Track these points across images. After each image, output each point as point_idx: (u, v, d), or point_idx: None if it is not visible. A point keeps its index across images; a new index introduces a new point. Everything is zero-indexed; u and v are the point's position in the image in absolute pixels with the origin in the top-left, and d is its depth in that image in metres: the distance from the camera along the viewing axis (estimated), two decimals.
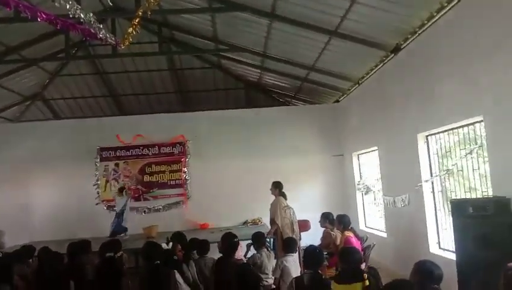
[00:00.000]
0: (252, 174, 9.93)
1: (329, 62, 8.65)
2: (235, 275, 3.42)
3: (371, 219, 9.13)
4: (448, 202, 5.73)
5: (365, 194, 9.17)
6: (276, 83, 11.54)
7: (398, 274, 6.42)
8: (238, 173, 10.09)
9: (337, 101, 10.60)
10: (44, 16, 4.51)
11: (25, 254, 5.93)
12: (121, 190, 9.27)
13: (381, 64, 7.68)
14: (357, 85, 8.97)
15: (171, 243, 5.47)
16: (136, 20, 5.31)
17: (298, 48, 8.59)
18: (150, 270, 3.96)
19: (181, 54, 10.91)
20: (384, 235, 7.94)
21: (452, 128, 5.76)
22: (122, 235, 8.47)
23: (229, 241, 5.03)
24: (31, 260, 6.23)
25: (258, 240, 5.52)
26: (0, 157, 9.97)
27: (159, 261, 4.08)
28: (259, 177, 9.37)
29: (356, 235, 6.07)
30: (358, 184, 9.37)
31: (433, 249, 6.14)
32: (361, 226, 9.17)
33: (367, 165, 9.28)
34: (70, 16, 4.44)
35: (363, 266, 4.42)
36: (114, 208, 9.22)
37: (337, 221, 6.32)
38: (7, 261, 5.04)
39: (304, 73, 9.67)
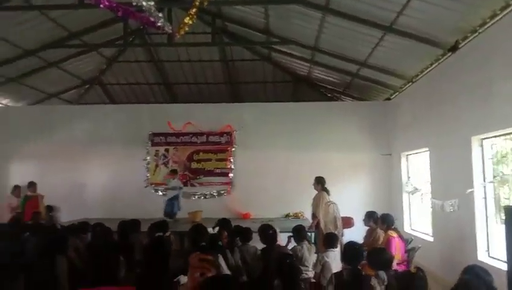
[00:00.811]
0: (296, 168, 9.98)
1: (382, 58, 8.46)
2: (276, 264, 3.48)
3: (417, 221, 8.90)
4: (501, 210, 5.49)
5: (412, 194, 8.94)
6: (325, 77, 11.43)
7: (443, 279, 6.27)
8: (282, 165, 10.17)
9: (388, 98, 10.35)
10: (107, 2, 4.74)
11: (80, 229, 6.33)
12: (174, 172, 9.60)
13: (437, 62, 7.42)
14: (410, 83, 8.72)
15: (217, 228, 5.62)
16: (193, 10, 5.45)
17: (350, 43, 8.46)
18: (194, 252, 4.10)
19: (233, 45, 11.05)
20: (430, 238, 7.72)
21: (509, 133, 5.50)
22: (173, 218, 8.79)
23: (265, 233, 5.10)
24: (84, 235, 6.65)
25: (299, 233, 5.55)
26: (59, 138, 10.61)
27: (204, 244, 4.22)
28: (304, 171, 9.40)
29: (400, 236, 5.96)
30: (406, 185, 9.14)
31: (482, 256, 5.91)
32: (406, 228, 8.96)
33: (416, 167, 9.03)
34: (134, 3, 4.63)
35: (394, 265, 4.37)
36: (164, 191, 9.57)
37: (380, 220, 6.24)
38: (64, 234, 5.40)
39: (355, 68, 9.52)
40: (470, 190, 6.10)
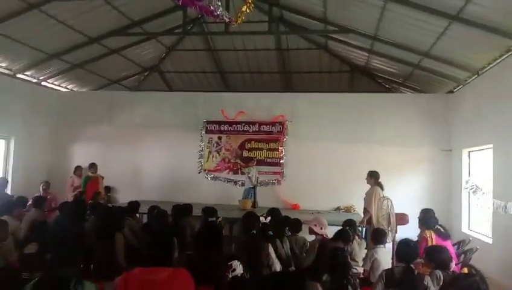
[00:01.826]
0: (349, 161, 9.79)
1: (446, 49, 8.01)
2: (329, 257, 3.44)
3: (476, 221, 8.45)
4: None
5: (473, 193, 8.48)
6: (384, 68, 11.04)
7: (500, 284, 5.93)
8: (335, 157, 10.00)
9: (451, 91, 9.82)
10: None
11: (131, 209, 6.62)
12: (250, 160, 10.02)
13: (507, 54, 6.92)
14: (476, 76, 8.20)
15: (269, 218, 5.65)
16: None
17: (413, 32, 8.08)
18: (245, 239, 4.17)
19: (289, 33, 10.94)
20: (489, 241, 7.31)
21: None
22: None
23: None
24: (138, 215, 6.94)
25: (349, 227, 5.45)
26: (120, 122, 11.12)
27: (255, 231, 4.26)
28: (358, 164, 9.20)
29: (440, 235, 5.66)
30: (466, 183, 8.68)
31: None
32: (464, 229, 8.55)
33: (478, 163, 8.55)
34: None
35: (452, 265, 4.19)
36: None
37: (419, 221, 5.96)
38: (120, 214, 5.66)
39: (417, 59, 9.10)
40: None
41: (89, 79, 12.08)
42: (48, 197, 8.52)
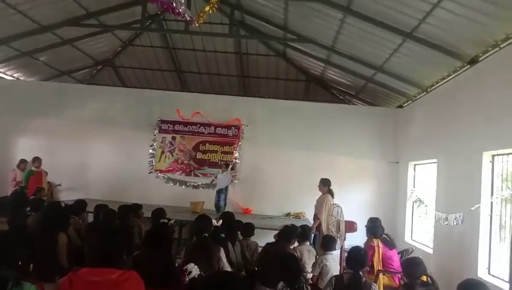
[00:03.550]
0: (301, 167, 9.95)
1: (399, 65, 8.37)
2: (280, 262, 3.44)
3: (418, 232, 8.84)
4: (504, 228, 5.43)
5: (417, 206, 8.87)
6: (339, 79, 11.36)
7: None
8: (288, 164, 10.12)
9: (400, 106, 10.26)
10: None
11: (78, 208, 6.32)
12: (227, 165, 9.69)
13: (455, 74, 7.32)
14: (425, 92, 8.62)
15: (220, 221, 5.60)
16: (215, 0, 5.40)
17: (368, 46, 8.37)
18: (197, 242, 4.10)
19: (249, 38, 11.00)
20: (430, 251, 7.66)
21: None
22: (219, 211, 8.83)
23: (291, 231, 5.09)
24: (84, 214, 6.64)
25: (303, 233, 5.51)
26: (68, 116, 10.59)
27: (207, 235, 4.20)
28: (309, 171, 9.41)
29: (387, 244, 5.91)
30: (410, 195, 9.07)
31: (482, 273, 5.83)
32: (407, 238, 8.91)
33: (422, 176, 8.96)
34: None
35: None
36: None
37: (366, 229, 6.20)
38: (65, 212, 5.39)
39: (370, 73, 9.43)
40: (476, 206, 6.03)
41: (38, 69, 11.50)
42: None
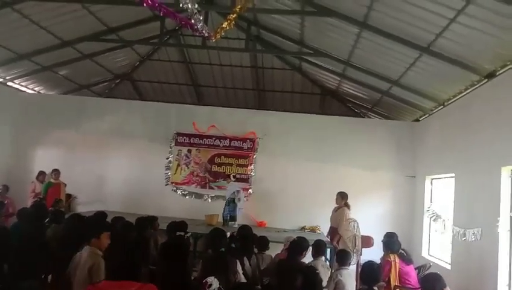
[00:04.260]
0: (316, 181, 9.91)
1: (415, 79, 8.35)
2: (302, 275, 3.43)
3: (436, 247, 8.70)
4: None
5: (434, 221, 8.75)
6: (354, 93, 11.36)
7: None
8: (302, 177, 10.09)
9: (417, 120, 10.19)
10: (149, 1, 4.80)
11: (100, 222, 6.37)
12: (227, 177, 9.86)
13: (472, 88, 7.27)
14: (442, 106, 8.57)
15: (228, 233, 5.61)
16: (233, 16, 5.50)
17: (384, 61, 8.39)
18: (213, 255, 4.12)
19: (265, 52, 11.10)
20: (448, 266, 7.54)
21: None
22: (233, 223, 8.83)
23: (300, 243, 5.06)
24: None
25: (318, 248, 5.47)
26: (87, 129, 10.76)
27: (223, 249, 4.22)
28: (324, 185, 9.39)
29: (403, 260, 5.83)
30: (427, 210, 8.96)
31: None
32: (424, 253, 8.78)
33: (440, 191, 8.85)
34: (180, 5, 4.68)
35: None
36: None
37: (383, 244, 6.10)
38: (90, 225, 5.43)
39: (386, 86, 9.42)
40: (497, 221, 5.93)
41: (58, 82, 11.76)
42: (6, 201, 8.15)
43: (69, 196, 10.02)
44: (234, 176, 9.95)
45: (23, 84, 11.23)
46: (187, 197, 10.43)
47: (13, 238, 4.81)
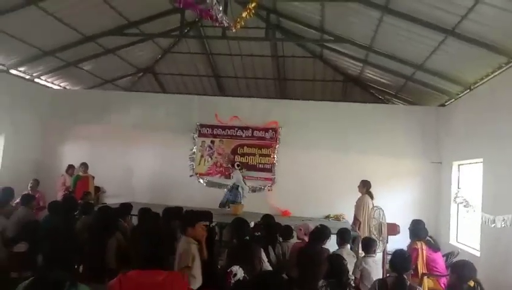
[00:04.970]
0: (340, 169, 9.85)
1: (440, 63, 8.14)
2: (328, 264, 3.43)
3: (464, 234, 8.54)
4: None
5: (465, 207, 8.57)
6: (378, 79, 11.17)
7: None
8: (326, 165, 10.04)
9: (442, 105, 9.95)
10: None
11: (124, 211, 6.54)
12: (238, 165, 10.05)
13: (500, 70, 7.05)
14: (468, 90, 8.34)
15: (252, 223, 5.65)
16: (252, 5, 5.48)
17: (408, 45, 8.21)
18: (238, 244, 4.17)
19: (286, 41, 11.01)
20: (477, 253, 7.39)
21: None
22: (226, 207, 9.18)
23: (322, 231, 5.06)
24: (129, 217, 6.88)
25: (343, 236, 5.46)
26: (112, 122, 11.03)
27: (248, 237, 4.26)
28: (348, 173, 9.31)
29: (431, 247, 5.74)
30: (455, 196, 8.78)
31: None
32: (452, 241, 8.63)
33: (467, 177, 8.65)
34: None
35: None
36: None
37: (409, 232, 6.02)
38: (114, 216, 5.59)
39: (410, 71, 9.22)
40: None
41: (82, 77, 11.99)
42: (36, 195, 8.41)
43: (97, 188, 10.29)
44: (238, 165, 10.16)
45: (49, 80, 11.52)
46: (211, 187, 10.55)
47: (45, 230, 5.01)
